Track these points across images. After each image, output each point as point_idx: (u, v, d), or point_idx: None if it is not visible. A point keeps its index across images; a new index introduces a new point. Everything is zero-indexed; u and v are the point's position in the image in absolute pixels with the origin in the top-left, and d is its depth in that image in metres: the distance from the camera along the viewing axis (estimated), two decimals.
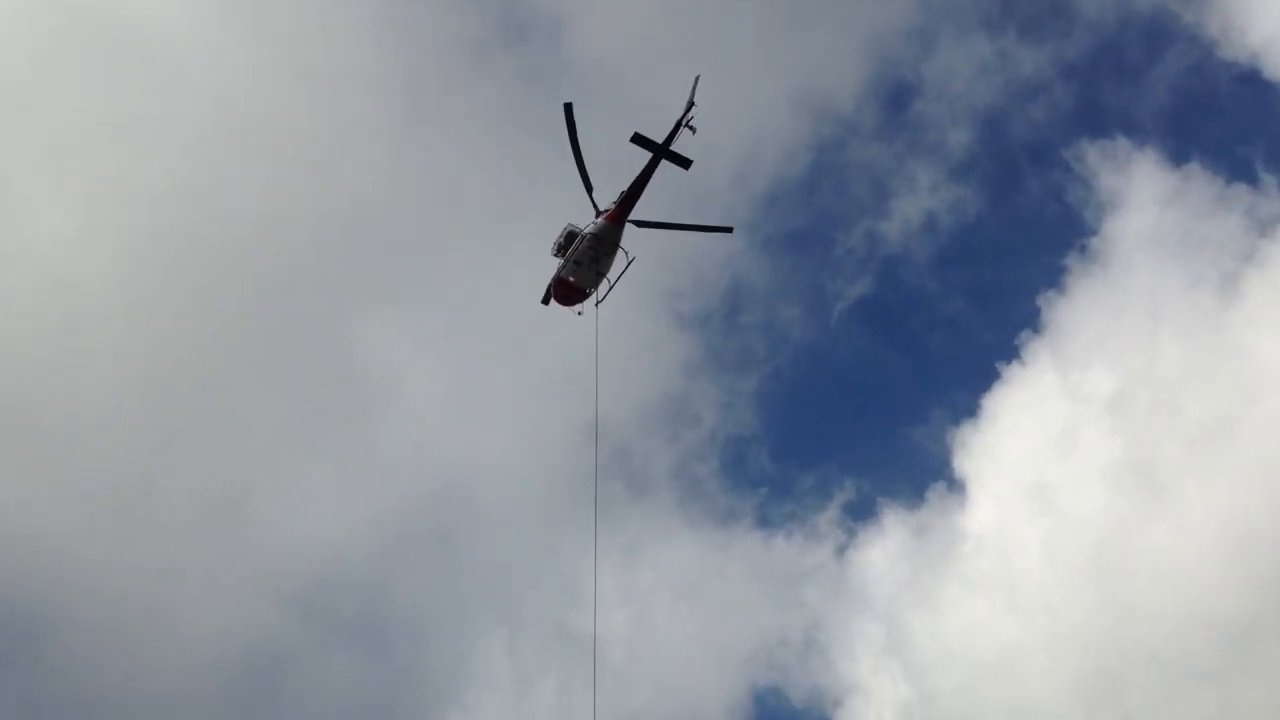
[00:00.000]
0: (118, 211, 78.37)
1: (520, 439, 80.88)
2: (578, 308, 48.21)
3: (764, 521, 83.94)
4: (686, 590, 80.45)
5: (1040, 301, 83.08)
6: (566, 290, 47.72)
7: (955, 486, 78.92)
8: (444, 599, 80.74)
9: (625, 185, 45.52)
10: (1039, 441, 78.07)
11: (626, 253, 46.82)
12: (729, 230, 48.33)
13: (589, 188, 46.04)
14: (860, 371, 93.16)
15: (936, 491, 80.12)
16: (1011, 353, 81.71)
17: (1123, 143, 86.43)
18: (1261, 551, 66.95)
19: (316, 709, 74.59)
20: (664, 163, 44.92)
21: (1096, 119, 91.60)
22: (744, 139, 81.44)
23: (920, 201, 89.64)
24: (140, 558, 73.30)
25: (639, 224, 46.26)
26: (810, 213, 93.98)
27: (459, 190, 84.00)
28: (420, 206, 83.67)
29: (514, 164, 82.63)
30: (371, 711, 76.13)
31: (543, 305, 48.41)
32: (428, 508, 79.34)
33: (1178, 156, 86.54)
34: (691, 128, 43.75)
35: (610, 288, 47.68)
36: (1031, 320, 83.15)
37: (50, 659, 70.45)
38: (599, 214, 46.36)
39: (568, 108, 45.31)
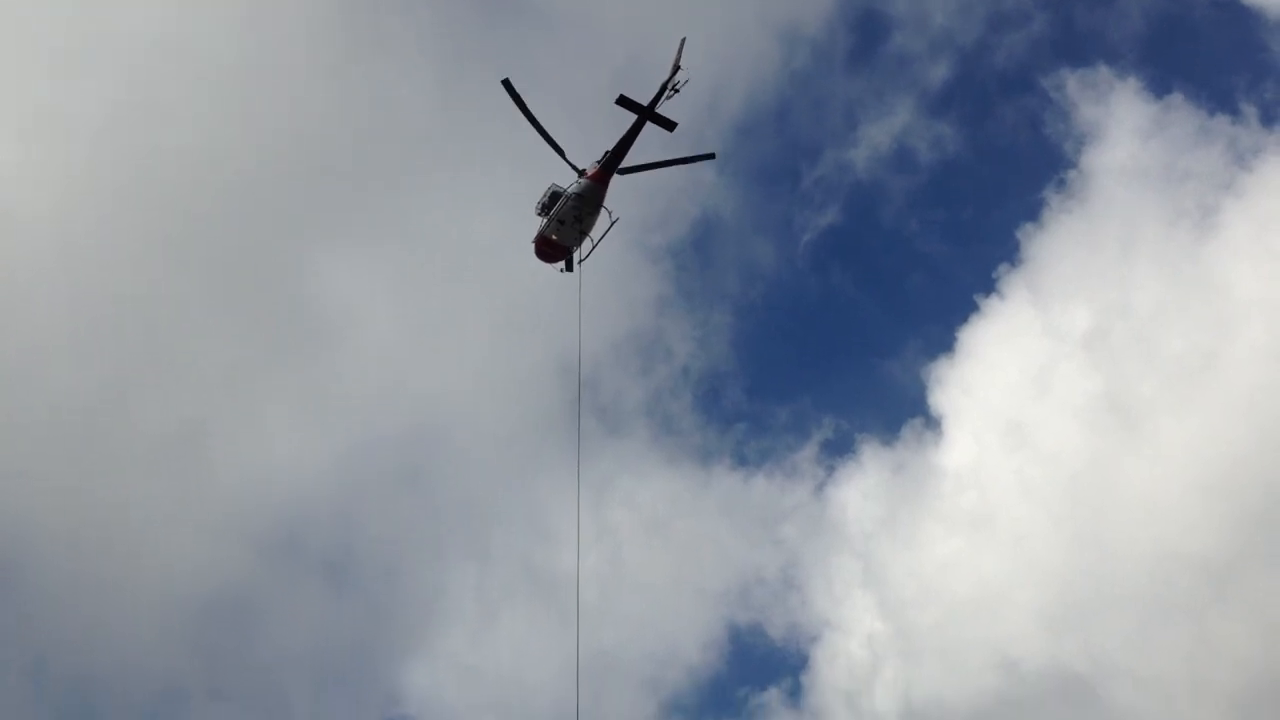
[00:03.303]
0: (57, 144, 76.00)
1: (488, 374, 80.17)
2: (560, 265, 47.84)
3: (740, 458, 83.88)
4: (662, 528, 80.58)
5: (1019, 235, 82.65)
6: (549, 248, 47.42)
7: (931, 423, 78.97)
8: (413, 536, 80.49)
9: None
10: (1015, 377, 78.11)
11: (610, 212, 46.24)
12: (711, 156, 47.83)
13: (560, 151, 45.38)
14: (835, 305, 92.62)
15: (913, 428, 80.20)
16: (989, 286, 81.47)
17: (1104, 72, 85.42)
18: (1237, 488, 67.43)
19: (285, 647, 74.45)
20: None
21: (1077, 47, 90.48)
22: (714, 68, 79.81)
23: (895, 133, 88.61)
24: (99, 497, 72.15)
25: (624, 171, 45.61)
26: (781, 143, 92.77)
27: (409, 122, 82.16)
28: (370, 138, 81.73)
29: (466, 96, 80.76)
30: (341, 649, 76.16)
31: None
32: (395, 444, 78.63)
33: (1159, 87, 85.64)
34: (676, 89, 42.74)
35: (594, 246, 47.25)
36: (1010, 254, 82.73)
37: (11, 598, 69.59)
38: (581, 174, 45.66)
39: (506, 84, 44.26)
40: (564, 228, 46.33)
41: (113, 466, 73.27)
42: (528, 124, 44.84)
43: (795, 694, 74.31)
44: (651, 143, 45.35)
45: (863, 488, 79.60)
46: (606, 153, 44.87)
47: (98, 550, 70.89)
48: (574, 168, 45.70)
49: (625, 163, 45.63)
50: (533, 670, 72.68)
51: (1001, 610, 70.56)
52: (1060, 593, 69.24)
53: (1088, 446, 73.38)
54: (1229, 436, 69.36)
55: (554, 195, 45.94)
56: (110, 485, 72.12)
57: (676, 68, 42.80)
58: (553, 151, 45.43)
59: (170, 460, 73.50)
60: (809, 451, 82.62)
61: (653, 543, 79.85)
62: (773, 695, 75.04)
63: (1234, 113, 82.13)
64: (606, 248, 47.48)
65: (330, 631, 76.10)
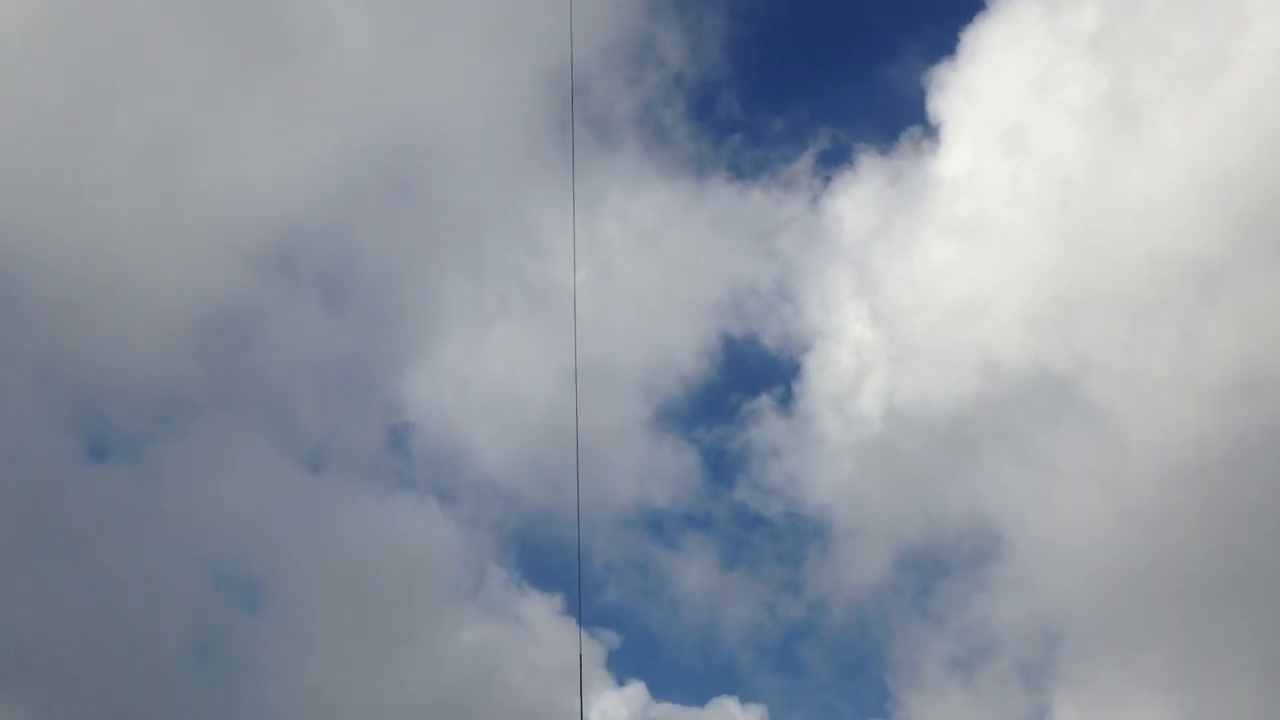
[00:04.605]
0: None
1: (473, 83, 78.07)
2: None
3: (736, 170, 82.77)
4: (655, 240, 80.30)
5: None
6: None
7: (930, 131, 77.40)
8: (406, 249, 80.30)
9: None
10: (1018, 80, 75.87)
11: None
12: None
13: None
14: (835, 4, 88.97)
15: (911, 136, 78.63)
16: None
17: None
18: (1235, 190, 66.02)
19: (285, 360, 75.24)
20: None
21: None
22: None
23: None
24: (80, 209, 71.09)
25: None
26: None
27: None
28: None
29: None
30: (340, 361, 77.13)
31: None
32: (381, 156, 76.95)
33: None
34: None
35: None
36: None
37: (3, 308, 69.94)
38: None
39: None
40: None
41: (91, 177, 72.35)
42: None
43: (786, 400, 75.48)
44: None
45: (858, 198, 78.83)
46: None
47: (85, 262, 70.67)
48: None
49: None
50: (529, 378, 73.95)
51: (991, 315, 70.70)
52: (1049, 295, 69.14)
53: (1087, 149, 71.78)
54: (1231, 138, 67.54)
55: None
56: (91, 197, 71.51)
57: None
58: None
59: (151, 172, 72.54)
60: (805, 163, 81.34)
61: (646, 255, 79.78)
62: (764, 402, 76.26)
63: None
64: None
65: (328, 343, 76.80)
